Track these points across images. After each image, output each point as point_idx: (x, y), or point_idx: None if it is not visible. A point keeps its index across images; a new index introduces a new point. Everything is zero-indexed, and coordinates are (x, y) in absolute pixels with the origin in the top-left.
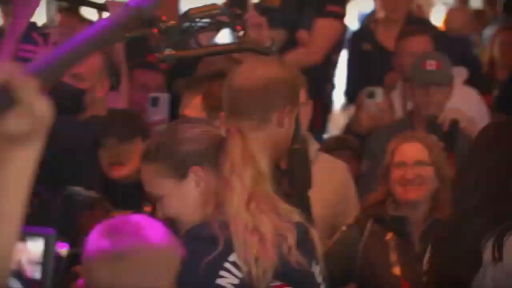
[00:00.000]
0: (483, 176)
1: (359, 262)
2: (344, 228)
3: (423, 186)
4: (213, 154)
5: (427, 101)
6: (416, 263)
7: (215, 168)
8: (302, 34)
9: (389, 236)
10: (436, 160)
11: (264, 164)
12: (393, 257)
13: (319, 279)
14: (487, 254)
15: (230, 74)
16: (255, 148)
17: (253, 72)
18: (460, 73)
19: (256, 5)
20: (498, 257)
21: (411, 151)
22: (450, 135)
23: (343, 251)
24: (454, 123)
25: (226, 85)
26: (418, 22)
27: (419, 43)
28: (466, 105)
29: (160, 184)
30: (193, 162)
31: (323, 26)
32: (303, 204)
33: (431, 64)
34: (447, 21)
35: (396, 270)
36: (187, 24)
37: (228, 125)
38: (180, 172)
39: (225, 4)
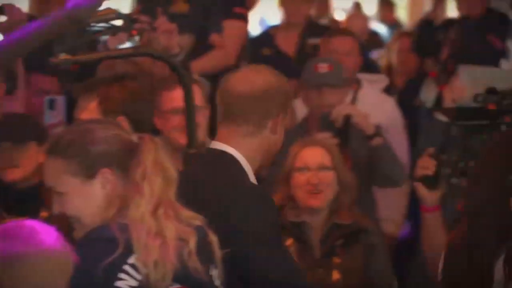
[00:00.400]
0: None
1: None
2: None
3: (325, 192)
4: (123, 158)
5: (320, 103)
6: (316, 268)
7: (123, 172)
8: (214, 37)
9: (289, 242)
10: (337, 165)
11: (173, 171)
12: None
13: (217, 282)
14: (498, 272)
15: (225, 80)
16: (165, 156)
17: (247, 79)
18: (380, 80)
19: (164, 11)
20: (509, 276)
21: (314, 155)
22: (343, 130)
23: None
24: (347, 118)
25: (222, 90)
26: (317, 27)
27: (342, 44)
28: (382, 113)
29: (65, 180)
30: (103, 163)
31: (233, 28)
32: None
33: (323, 67)
34: (345, 25)
35: None
36: (88, 28)
37: (222, 129)
38: (89, 172)
39: (136, 10)
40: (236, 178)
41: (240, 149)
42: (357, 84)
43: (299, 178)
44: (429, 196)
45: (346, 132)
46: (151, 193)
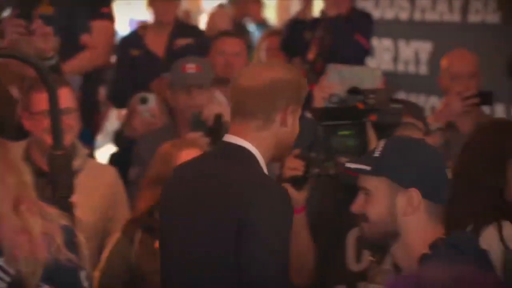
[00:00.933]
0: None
1: (134, 272)
2: (117, 236)
3: None
4: None
5: (189, 103)
6: None
7: None
8: (85, 38)
9: (157, 243)
10: None
11: (26, 173)
12: None
13: (86, 283)
14: None
15: (236, 76)
16: (16, 158)
17: (258, 74)
18: None
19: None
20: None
21: (189, 157)
22: (214, 129)
23: (118, 261)
24: (218, 117)
25: (231, 87)
26: (186, 28)
27: (231, 45)
28: None
29: None
30: None
31: (101, 28)
32: (65, 210)
33: (191, 67)
34: (208, 25)
35: None
36: None
37: (235, 124)
38: None
39: (13, 13)
40: (253, 172)
41: (253, 143)
42: None
43: None
44: (297, 197)
45: (217, 131)
46: (7, 193)
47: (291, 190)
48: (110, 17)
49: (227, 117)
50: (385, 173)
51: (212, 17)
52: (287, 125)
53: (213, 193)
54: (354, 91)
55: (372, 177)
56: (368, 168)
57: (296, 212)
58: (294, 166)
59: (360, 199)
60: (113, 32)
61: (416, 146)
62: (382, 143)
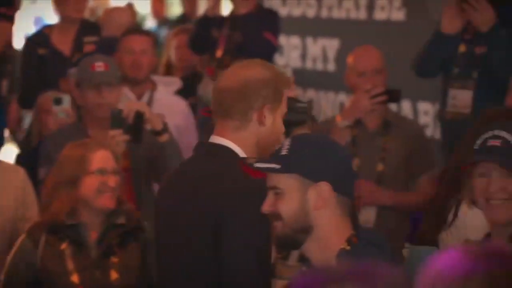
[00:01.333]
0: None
1: (38, 274)
2: (21, 238)
3: (117, 194)
4: None
5: (99, 101)
6: (93, 269)
7: None
8: None
9: (64, 245)
10: (119, 168)
11: None
12: (70, 265)
13: None
14: (450, 216)
15: (218, 76)
16: None
17: (234, 74)
18: (174, 82)
19: None
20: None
21: (107, 158)
22: (135, 127)
23: (21, 264)
24: (139, 115)
25: (213, 87)
26: (93, 26)
27: (139, 42)
28: (176, 114)
29: None
30: None
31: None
32: None
33: (99, 66)
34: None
35: (74, 278)
36: None
37: (217, 124)
38: None
39: None
40: (233, 169)
41: (235, 142)
42: (153, 85)
43: (93, 181)
44: None
45: (137, 129)
46: None
47: None
48: (7, 18)
49: (148, 114)
50: (295, 169)
51: (115, 14)
52: (265, 124)
53: (192, 191)
54: None
55: (282, 174)
56: (277, 166)
57: None
58: None
59: (270, 199)
60: (8, 33)
61: (322, 142)
62: (287, 141)
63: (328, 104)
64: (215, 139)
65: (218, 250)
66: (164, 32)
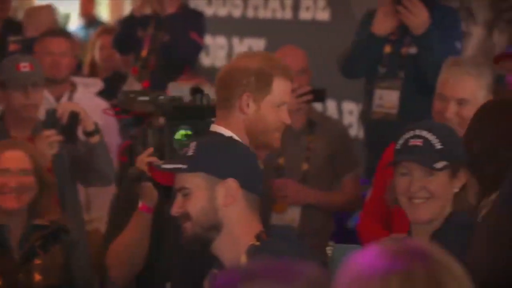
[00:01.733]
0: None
1: None
2: None
3: (24, 195)
4: None
5: (25, 102)
6: (16, 271)
7: None
8: None
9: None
10: (37, 168)
11: None
12: None
13: None
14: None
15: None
16: None
17: (226, 65)
18: (95, 84)
19: None
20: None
21: (16, 159)
22: (68, 127)
23: None
24: (74, 115)
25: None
26: (17, 25)
27: (57, 44)
28: (96, 116)
29: None
30: None
31: None
32: None
33: (25, 66)
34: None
35: None
36: None
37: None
38: None
39: None
40: None
41: (228, 129)
42: (72, 86)
43: None
44: (153, 195)
45: (71, 129)
46: None
47: (150, 187)
48: None
49: (82, 115)
50: (202, 167)
51: (35, 14)
52: (246, 112)
53: None
54: (197, 90)
55: (189, 174)
56: (184, 166)
57: (148, 210)
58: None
59: (178, 200)
60: None
61: (227, 142)
62: (193, 143)
63: None
64: (213, 127)
65: None
66: (92, 32)
